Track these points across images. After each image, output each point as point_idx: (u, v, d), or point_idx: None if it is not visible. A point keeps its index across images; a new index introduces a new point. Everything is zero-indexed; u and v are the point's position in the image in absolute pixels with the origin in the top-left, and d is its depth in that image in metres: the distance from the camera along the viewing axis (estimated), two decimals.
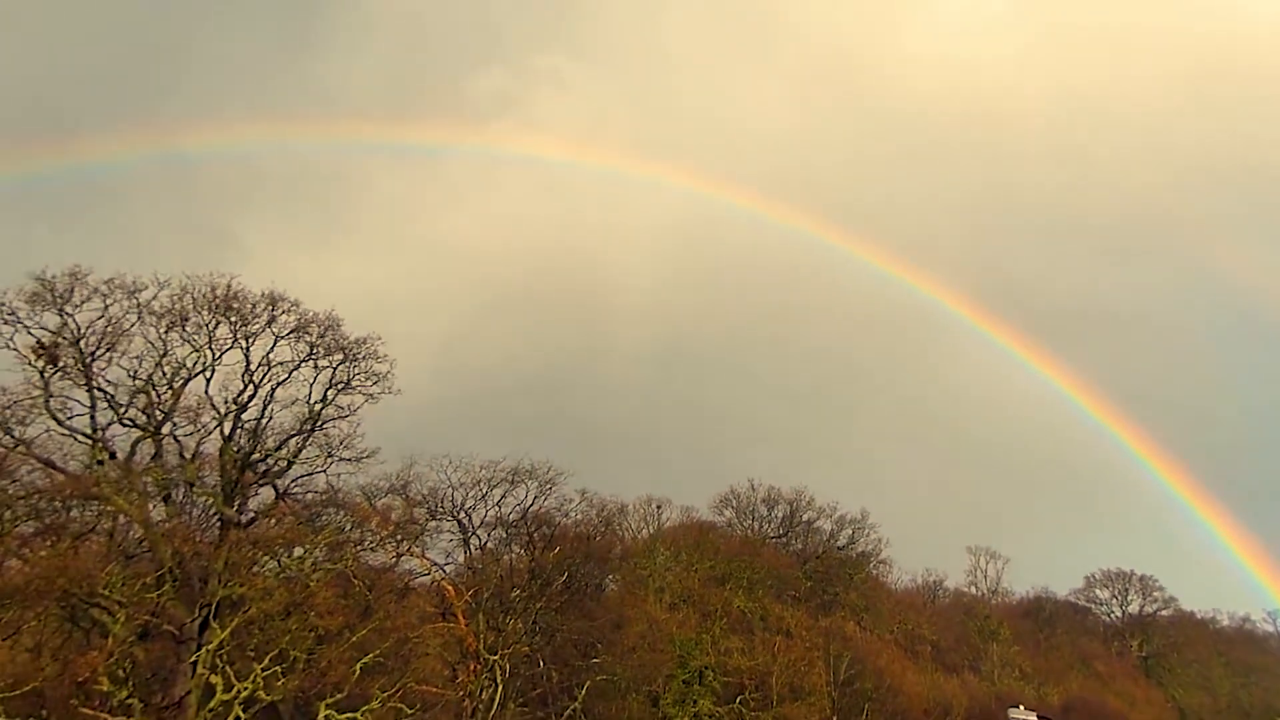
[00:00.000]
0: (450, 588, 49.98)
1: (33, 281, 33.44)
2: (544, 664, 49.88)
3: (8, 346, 32.29)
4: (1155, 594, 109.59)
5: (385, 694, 38.48)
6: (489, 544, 58.36)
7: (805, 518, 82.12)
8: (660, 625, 57.54)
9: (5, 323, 32.50)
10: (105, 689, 29.64)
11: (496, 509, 60.00)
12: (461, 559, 55.25)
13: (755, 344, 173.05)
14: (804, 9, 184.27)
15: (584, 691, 49.90)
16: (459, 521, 57.41)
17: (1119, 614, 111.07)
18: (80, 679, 28.86)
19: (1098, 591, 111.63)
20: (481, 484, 59.42)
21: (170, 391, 37.93)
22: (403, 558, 49.26)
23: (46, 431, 32.98)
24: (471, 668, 46.11)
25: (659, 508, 75.17)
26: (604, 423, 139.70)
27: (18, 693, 26.96)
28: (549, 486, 62.80)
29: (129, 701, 30.19)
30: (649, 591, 61.90)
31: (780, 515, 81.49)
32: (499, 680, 45.75)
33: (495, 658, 47.28)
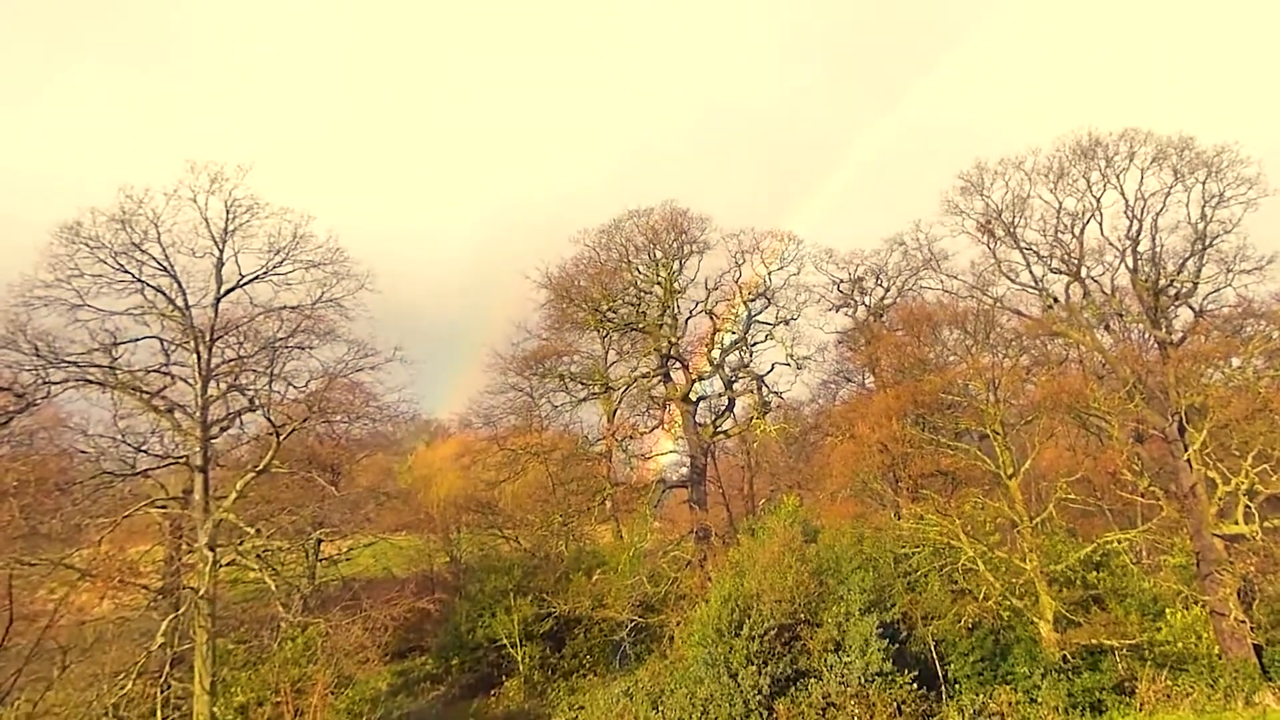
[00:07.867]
0: None
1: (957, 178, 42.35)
2: None
3: (963, 231, 41.25)
4: None
5: None
6: None
7: None
8: None
9: (953, 214, 41.60)
10: (1128, 478, 35.30)
11: None
12: None
13: None
14: None
15: None
16: None
17: None
18: (1110, 470, 35.06)
19: None
20: None
21: (1074, 239, 42.65)
22: None
23: (1006, 290, 41.05)
24: None
25: None
26: None
27: (1074, 478, 34.39)
28: None
29: (1150, 489, 35.32)
30: None
31: None
32: None
33: None
